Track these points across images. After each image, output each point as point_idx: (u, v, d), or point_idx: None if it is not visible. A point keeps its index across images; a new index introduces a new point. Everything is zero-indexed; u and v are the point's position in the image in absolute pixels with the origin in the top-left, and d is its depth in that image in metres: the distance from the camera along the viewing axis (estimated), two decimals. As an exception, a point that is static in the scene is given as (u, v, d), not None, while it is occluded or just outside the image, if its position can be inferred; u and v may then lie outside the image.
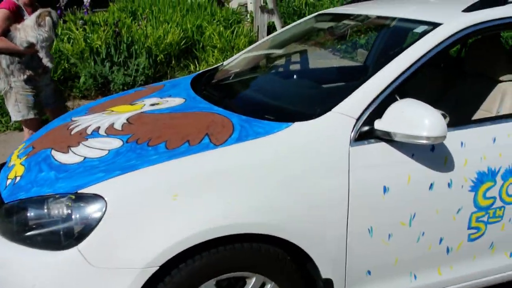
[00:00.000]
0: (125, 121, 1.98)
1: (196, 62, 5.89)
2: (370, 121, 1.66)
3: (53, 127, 2.22)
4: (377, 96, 1.68)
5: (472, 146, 1.79)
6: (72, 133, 1.95)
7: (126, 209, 1.46)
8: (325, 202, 1.59)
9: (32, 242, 1.49)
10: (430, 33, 1.84)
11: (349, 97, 1.70)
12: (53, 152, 1.77)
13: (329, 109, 1.68)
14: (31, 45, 2.83)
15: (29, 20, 2.79)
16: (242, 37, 6.29)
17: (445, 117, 2.71)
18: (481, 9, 1.94)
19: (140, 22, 5.95)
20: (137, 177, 1.51)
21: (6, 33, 2.73)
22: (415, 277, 1.85)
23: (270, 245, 1.57)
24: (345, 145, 1.62)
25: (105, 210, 1.44)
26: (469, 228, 1.85)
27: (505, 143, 1.84)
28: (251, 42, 5.96)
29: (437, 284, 1.90)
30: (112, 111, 2.19)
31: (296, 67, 2.48)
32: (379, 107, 1.66)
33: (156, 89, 2.52)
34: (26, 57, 2.90)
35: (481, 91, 2.30)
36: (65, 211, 1.47)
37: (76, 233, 1.45)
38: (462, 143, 1.78)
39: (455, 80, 2.57)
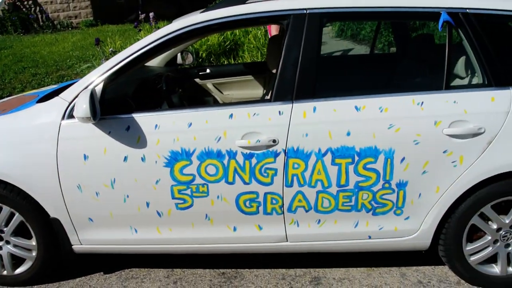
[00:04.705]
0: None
1: (232, 59, 6.44)
2: (78, 104, 2.15)
3: None
4: (86, 87, 2.15)
5: (165, 128, 2.10)
6: None
7: None
8: (41, 160, 2.18)
9: None
10: (156, 32, 2.18)
11: (70, 87, 2.22)
12: None
13: (57, 95, 2.24)
14: None
15: None
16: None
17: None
18: (214, 9, 2.16)
19: None
20: None
21: None
22: (135, 231, 2.29)
23: (13, 186, 2.26)
24: (57, 120, 2.17)
25: None
26: (174, 198, 2.18)
27: (200, 128, 2.08)
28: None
29: (159, 241, 2.29)
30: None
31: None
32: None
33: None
34: None
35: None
36: None
37: None
38: (156, 126, 2.11)
39: None
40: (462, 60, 2.18)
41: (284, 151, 2.07)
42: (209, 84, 3.63)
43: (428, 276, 2.43)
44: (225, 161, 2.09)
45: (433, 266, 2.51)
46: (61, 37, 8.77)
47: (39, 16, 10.58)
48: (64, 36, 8.85)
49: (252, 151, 2.08)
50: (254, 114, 2.09)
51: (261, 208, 2.18)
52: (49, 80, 6.43)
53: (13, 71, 6.73)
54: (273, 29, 4.90)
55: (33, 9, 10.66)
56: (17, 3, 10.67)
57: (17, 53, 7.66)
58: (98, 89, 2.14)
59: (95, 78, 2.16)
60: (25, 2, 10.68)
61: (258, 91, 3.68)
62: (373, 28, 7.12)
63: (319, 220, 2.20)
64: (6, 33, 9.82)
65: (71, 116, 2.16)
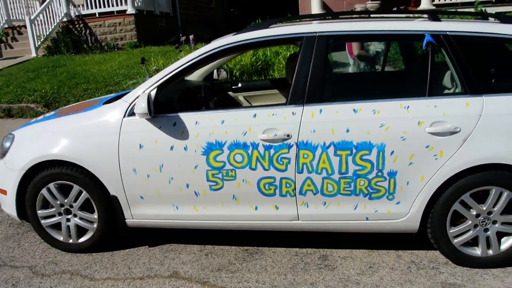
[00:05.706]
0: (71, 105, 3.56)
1: (263, 78, 7.06)
2: (137, 104, 2.77)
3: None
4: (144, 91, 2.76)
5: (203, 124, 2.68)
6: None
7: (19, 142, 3.02)
8: (106, 148, 2.79)
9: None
10: (196, 51, 2.78)
11: (131, 91, 2.84)
12: None
13: (120, 98, 2.87)
14: None
15: None
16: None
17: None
18: (246, 32, 2.75)
19: None
20: (29, 128, 3.06)
21: None
22: (177, 208, 2.84)
23: (83, 169, 2.88)
24: (120, 117, 2.79)
25: (13, 142, 3.04)
26: (208, 181, 2.73)
27: (230, 125, 2.64)
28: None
29: (195, 216, 2.84)
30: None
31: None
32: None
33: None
34: None
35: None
36: (5, 142, 3.14)
37: (4, 152, 3.09)
38: (196, 122, 2.69)
39: None
40: (442, 73, 2.65)
41: (296, 143, 2.59)
42: (240, 97, 4.21)
43: (420, 258, 2.86)
44: (249, 151, 2.63)
45: (426, 251, 2.93)
46: (108, 57, 9.69)
47: (89, 38, 11.66)
48: (111, 56, 9.77)
49: (271, 144, 2.61)
50: (273, 114, 2.63)
51: (277, 191, 2.69)
52: (99, 94, 7.22)
53: (68, 86, 7.59)
54: (354, 48, 5.07)
55: (83, 31, 11.77)
56: (70, 26, 11.81)
57: (70, 71, 8.58)
58: (152, 93, 2.75)
59: (149, 86, 2.77)
60: (77, 25, 11.81)
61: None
62: (397, 50, 7.63)
63: (325, 202, 2.69)
64: (60, 53, 10.90)
65: (131, 114, 2.78)
